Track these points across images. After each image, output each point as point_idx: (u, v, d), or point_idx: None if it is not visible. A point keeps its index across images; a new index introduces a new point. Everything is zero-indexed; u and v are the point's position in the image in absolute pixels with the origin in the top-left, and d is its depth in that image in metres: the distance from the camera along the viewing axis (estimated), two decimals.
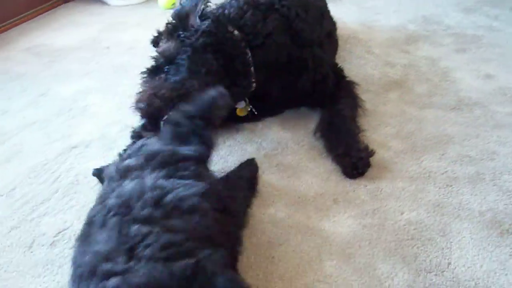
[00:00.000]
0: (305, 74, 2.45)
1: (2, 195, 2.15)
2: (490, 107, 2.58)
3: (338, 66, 2.70)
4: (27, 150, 2.42)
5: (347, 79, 2.63)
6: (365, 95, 2.66)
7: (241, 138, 2.41)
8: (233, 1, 2.47)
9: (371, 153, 2.20)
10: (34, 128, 2.60)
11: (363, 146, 2.22)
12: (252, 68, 2.30)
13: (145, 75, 2.25)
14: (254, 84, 2.33)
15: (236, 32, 2.29)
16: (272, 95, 2.48)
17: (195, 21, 2.21)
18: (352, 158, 2.14)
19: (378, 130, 2.44)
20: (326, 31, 2.72)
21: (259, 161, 2.23)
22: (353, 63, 3.04)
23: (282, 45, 2.40)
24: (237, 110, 2.40)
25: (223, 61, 2.21)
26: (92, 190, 2.13)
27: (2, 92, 2.94)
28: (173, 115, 1.91)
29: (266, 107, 2.52)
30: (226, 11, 2.39)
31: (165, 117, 2.01)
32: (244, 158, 2.25)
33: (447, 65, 3.03)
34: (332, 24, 2.98)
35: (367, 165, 2.16)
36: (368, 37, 3.44)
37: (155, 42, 3.52)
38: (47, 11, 4.22)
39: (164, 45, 2.26)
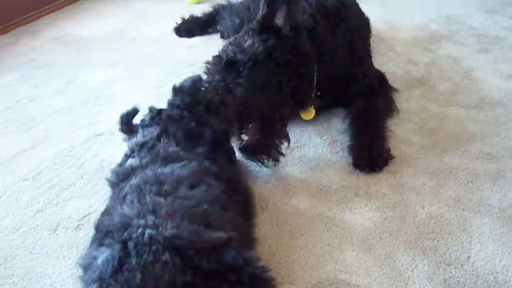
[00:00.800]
0: (353, 86, 2.49)
1: (28, 179, 2.20)
2: (511, 106, 2.59)
3: (381, 73, 2.73)
4: (54, 136, 2.47)
5: (389, 84, 2.67)
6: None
7: None
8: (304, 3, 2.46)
9: (391, 156, 2.21)
10: (60, 115, 2.64)
11: (387, 145, 2.24)
12: (315, 81, 2.31)
13: (218, 65, 2.11)
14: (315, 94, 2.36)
15: (308, 46, 2.25)
16: (322, 104, 2.51)
17: (282, 23, 2.13)
18: (373, 151, 2.16)
19: (401, 125, 2.46)
20: (364, 36, 2.75)
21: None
22: (376, 61, 3.05)
23: (342, 62, 2.44)
24: (302, 115, 2.40)
25: (293, 76, 2.16)
26: None
27: (29, 80, 2.98)
28: (169, 109, 1.94)
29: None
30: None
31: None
32: None
33: (469, 65, 3.04)
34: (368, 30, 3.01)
35: (384, 163, 2.16)
36: (391, 35, 3.46)
37: (178, 30, 3.57)
38: (75, 2, 4.28)
39: (247, 40, 2.15)
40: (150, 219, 1.37)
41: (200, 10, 3.71)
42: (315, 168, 2.20)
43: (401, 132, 2.41)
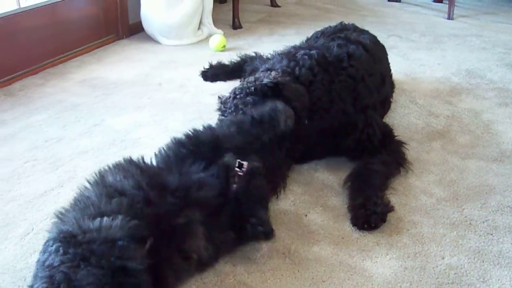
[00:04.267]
0: (352, 135, 2.55)
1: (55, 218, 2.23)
2: None
3: (388, 126, 2.77)
4: (80, 177, 2.51)
5: (396, 138, 2.69)
6: (409, 144, 2.74)
7: (288, 179, 2.48)
8: (305, 57, 2.58)
9: (389, 209, 2.22)
10: (87, 156, 2.70)
11: (382, 201, 2.24)
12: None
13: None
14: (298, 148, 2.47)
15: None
16: (315, 152, 2.61)
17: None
18: (367, 210, 2.17)
19: (421, 177, 2.50)
20: (383, 97, 2.83)
21: (305, 201, 2.31)
22: (397, 112, 3.11)
23: (341, 112, 2.52)
24: None
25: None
26: None
27: (58, 121, 3.05)
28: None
29: (306, 156, 2.61)
30: (297, 71, 2.51)
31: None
32: (290, 199, 2.34)
33: (489, 118, 3.09)
34: (391, 87, 3.08)
35: (381, 220, 2.17)
36: (413, 87, 3.52)
37: (205, 74, 3.66)
38: (102, 46, 4.38)
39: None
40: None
41: (225, 57, 3.81)
42: (337, 216, 2.23)
43: (421, 183, 2.45)
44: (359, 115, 2.56)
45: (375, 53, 2.87)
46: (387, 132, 2.68)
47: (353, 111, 2.54)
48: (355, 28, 3.08)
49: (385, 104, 2.94)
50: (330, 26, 3.15)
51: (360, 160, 2.54)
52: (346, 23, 3.16)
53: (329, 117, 2.51)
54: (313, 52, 2.60)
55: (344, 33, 2.93)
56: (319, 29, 3.22)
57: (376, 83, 2.72)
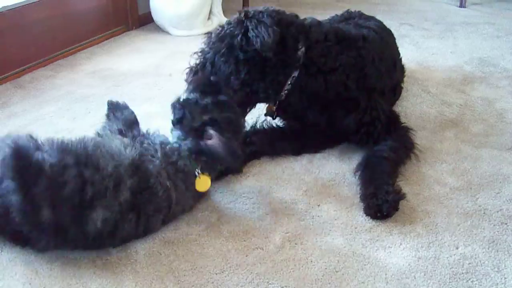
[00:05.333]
0: (353, 114, 2.52)
1: None
2: None
3: (395, 112, 2.76)
4: None
5: (403, 124, 2.67)
6: (422, 133, 2.72)
7: (299, 168, 2.47)
8: (332, 21, 2.75)
9: (401, 197, 2.20)
10: None
11: (393, 189, 2.23)
12: (286, 88, 2.48)
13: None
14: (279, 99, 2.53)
15: (302, 49, 2.43)
16: (307, 122, 2.60)
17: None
18: (378, 200, 2.15)
19: (435, 166, 2.48)
20: (393, 83, 2.82)
21: (317, 191, 2.30)
22: (410, 101, 3.09)
23: (341, 84, 2.51)
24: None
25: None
26: None
27: (68, 113, 3.04)
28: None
29: (306, 141, 2.62)
30: (313, 27, 2.52)
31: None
32: (302, 189, 2.33)
33: (503, 107, 3.06)
34: (401, 74, 3.06)
35: (394, 208, 2.15)
36: (425, 76, 3.49)
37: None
38: (112, 37, 4.36)
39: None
40: None
41: None
42: (350, 206, 2.22)
43: (434, 173, 2.43)
44: (362, 94, 2.54)
45: (385, 37, 2.86)
46: (393, 118, 2.66)
47: (355, 88, 2.52)
48: (361, 15, 3.04)
49: (395, 90, 2.93)
50: (336, 15, 3.11)
51: (368, 148, 2.53)
52: (352, 10, 3.12)
53: (325, 83, 2.50)
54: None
55: (352, 21, 2.91)
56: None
57: (387, 67, 2.71)
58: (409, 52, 3.85)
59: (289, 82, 2.46)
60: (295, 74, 2.45)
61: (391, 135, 2.55)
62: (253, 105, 2.60)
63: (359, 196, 2.27)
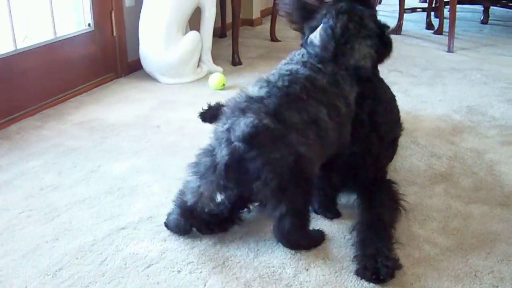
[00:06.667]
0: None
1: (49, 275, 2.16)
2: None
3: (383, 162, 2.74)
4: (76, 229, 2.46)
5: (387, 178, 2.68)
6: (411, 188, 2.71)
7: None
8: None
9: (398, 266, 2.15)
10: (83, 205, 2.64)
11: (392, 255, 2.19)
12: None
13: None
14: None
15: None
16: None
17: None
18: (378, 263, 2.11)
19: (424, 225, 2.45)
20: (393, 136, 2.80)
21: (304, 253, 2.27)
22: (398, 154, 3.07)
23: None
24: None
25: None
26: (139, 275, 2.14)
27: (54, 166, 3.01)
28: None
29: None
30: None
31: None
32: (290, 251, 2.29)
33: (492, 158, 3.05)
34: (399, 130, 3.03)
35: (391, 275, 2.10)
36: (414, 126, 3.49)
37: (203, 116, 3.63)
38: (101, 84, 4.35)
39: None
40: None
41: (224, 96, 3.77)
42: (339, 270, 2.18)
43: (424, 232, 2.40)
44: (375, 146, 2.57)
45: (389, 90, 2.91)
46: (381, 168, 2.68)
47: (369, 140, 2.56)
48: None
49: (394, 147, 2.88)
50: None
51: (360, 202, 2.53)
52: None
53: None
54: None
55: None
56: None
57: (395, 120, 2.78)
58: (399, 100, 3.79)
59: None
60: None
61: (382, 192, 2.54)
62: None
63: (353, 257, 2.23)
